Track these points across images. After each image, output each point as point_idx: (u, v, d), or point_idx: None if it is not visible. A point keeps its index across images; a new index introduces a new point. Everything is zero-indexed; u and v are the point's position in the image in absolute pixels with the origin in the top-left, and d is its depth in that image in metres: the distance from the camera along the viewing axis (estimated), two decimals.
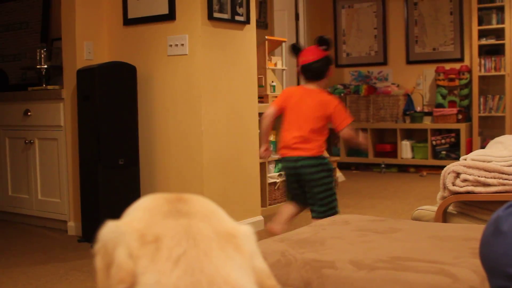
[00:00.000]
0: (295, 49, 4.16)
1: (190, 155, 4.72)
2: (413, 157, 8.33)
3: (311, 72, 3.97)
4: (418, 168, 8.26)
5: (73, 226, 5.06)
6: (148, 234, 0.90)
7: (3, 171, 5.66)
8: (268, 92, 6.08)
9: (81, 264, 4.19)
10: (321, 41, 4.02)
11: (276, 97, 4.83)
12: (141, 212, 0.95)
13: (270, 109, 4.02)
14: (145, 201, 0.98)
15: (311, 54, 3.99)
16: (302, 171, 3.86)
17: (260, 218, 5.09)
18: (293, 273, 1.91)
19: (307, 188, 3.89)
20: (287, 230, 3.60)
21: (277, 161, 5.99)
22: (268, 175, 5.81)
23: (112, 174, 4.66)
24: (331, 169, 4.02)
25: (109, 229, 0.93)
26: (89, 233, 4.73)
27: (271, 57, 6.41)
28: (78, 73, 4.78)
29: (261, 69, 6.00)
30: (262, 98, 5.88)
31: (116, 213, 0.94)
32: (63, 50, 5.11)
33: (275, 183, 5.89)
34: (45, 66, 5.47)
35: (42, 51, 5.49)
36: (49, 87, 5.34)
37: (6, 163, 5.62)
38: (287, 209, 4.06)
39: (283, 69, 6.64)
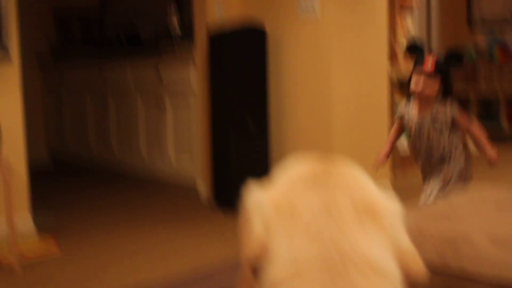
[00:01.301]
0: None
1: (320, 123, 4.70)
2: None
3: None
4: None
5: (204, 189, 5.18)
6: (285, 206, 0.91)
7: (137, 132, 5.95)
8: (399, 51, 5.88)
9: (212, 232, 4.28)
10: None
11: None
12: (284, 181, 0.96)
13: None
14: (291, 168, 0.98)
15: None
16: None
17: (388, 183, 4.96)
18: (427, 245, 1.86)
19: None
20: None
21: None
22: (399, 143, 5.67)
23: (243, 140, 4.74)
24: None
25: (252, 198, 0.95)
26: (220, 197, 4.84)
27: (401, 17, 6.15)
28: (210, 40, 4.82)
29: (391, 28, 5.79)
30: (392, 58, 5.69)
31: (246, 178, 0.96)
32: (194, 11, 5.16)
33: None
34: (176, 27, 5.78)
35: (172, 7, 5.78)
36: (179, 51, 5.44)
37: (141, 124, 5.93)
38: None
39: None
